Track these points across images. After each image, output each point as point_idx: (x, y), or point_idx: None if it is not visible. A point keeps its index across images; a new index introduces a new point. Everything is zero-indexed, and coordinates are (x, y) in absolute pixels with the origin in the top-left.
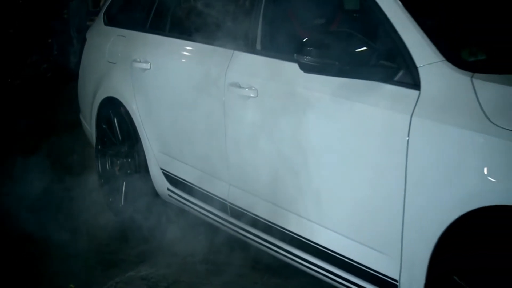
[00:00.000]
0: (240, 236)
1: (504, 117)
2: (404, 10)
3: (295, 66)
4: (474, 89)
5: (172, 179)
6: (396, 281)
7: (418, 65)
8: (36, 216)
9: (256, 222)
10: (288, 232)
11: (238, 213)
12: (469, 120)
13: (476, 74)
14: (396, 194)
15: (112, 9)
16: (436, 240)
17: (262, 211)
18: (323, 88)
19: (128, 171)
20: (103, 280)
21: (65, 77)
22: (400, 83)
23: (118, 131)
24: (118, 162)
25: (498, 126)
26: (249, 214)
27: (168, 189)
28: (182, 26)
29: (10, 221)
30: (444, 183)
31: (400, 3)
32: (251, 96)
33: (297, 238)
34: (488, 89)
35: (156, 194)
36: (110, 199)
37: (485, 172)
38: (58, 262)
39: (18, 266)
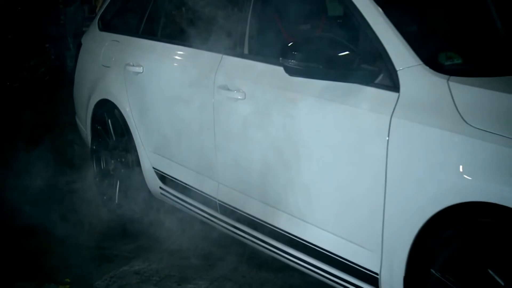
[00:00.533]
0: (229, 233)
1: (478, 118)
2: (385, 16)
3: (281, 69)
4: (450, 91)
5: (164, 178)
6: (377, 274)
7: (397, 69)
8: (33, 212)
9: (244, 219)
10: (275, 229)
11: (227, 211)
12: (445, 120)
13: (452, 77)
14: (377, 192)
15: (107, 15)
16: (415, 235)
17: (250, 208)
18: (308, 91)
19: (122, 170)
20: (98, 274)
21: (61, 80)
22: (380, 86)
23: (112, 132)
24: (112, 161)
25: (472, 126)
26: (238, 211)
27: (160, 188)
28: (173, 31)
29: (10, 217)
30: (422, 181)
31: (381, 10)
32: (239, 98)
33: (284, 234)
34: (463, 91)
35: (149, 192)
36: (105, 197)
37: (461, 170)
38: (54, 258)
39: (15, 261)
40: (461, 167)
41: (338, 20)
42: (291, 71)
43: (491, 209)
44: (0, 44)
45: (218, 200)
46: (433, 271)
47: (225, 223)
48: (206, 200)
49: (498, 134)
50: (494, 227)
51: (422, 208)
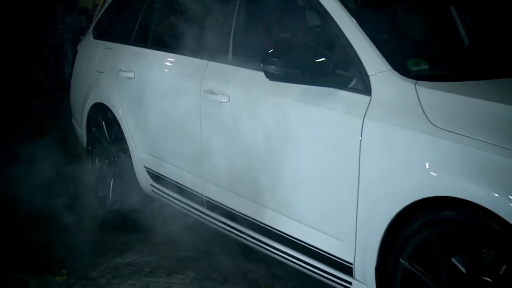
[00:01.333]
0: (215, 227)
1: (442, 119)
2: (358, 26)
3: (262, 74)
4: (417, 95)
5: (155, 176)
6: (351, 264)
7: (369, 74)
8: (32, 208)
9: (229, 214)
10: (258, 222)
11: (213, 206)
12: (413, 122)
13: (419, 82)
14: (351, 188)
15: (101, 24)
16: (385, 227)
17: (234, 204)
18: (287, 94)
19: (115, 169)
20: (93, 266)
21: (59, 85)
22: (353, 90)
23: (106, 133)
24: (107, 161)
25: (437, 127)
26: (223, 206)
27: (151, 185)
28: (163, 39)
29: (10, 212)
30: (392, 178)
31: (354, 20)
32: (224, 102)
33: (265, 227)
34: (429, 94)
35: (140, 190)
36: (100, 194)
37: (427, 167)
38: (52, 251)
39: (14, 255)
40: (427, 164)
41: (317, 29)
42: (271, 76)
43: (454, 203)
44: (2, 51)
45: (205, 196)
46: (402, 261)
47: (211, 217)
48: (193, 196)
49: (460, 134)
50: (456, 219)
51: (392, 203)
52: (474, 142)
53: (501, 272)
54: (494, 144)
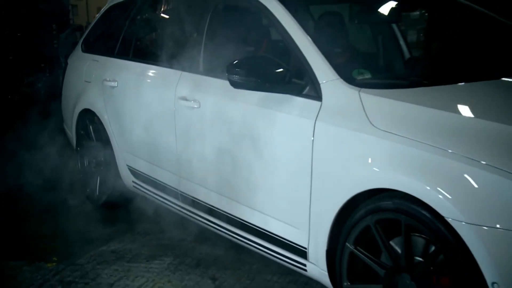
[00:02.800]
0: (189, 218)
1: (382, 122)
2: (311, 41)
3: (228, 83)
4: (361, 100)
5: (136, 173)
6: (305, 248)
7: (320, 82)
8: (26, 203)
9: (201, 206)
10: (225, 213)
11: (187, 199)
12: (357, 124)
13: (363, 89)
14: (305, 182)
15: (88, 39)
16: (334, 216)
17: (205, 197)
18: (249, 100)
19: (101, 168)
20: (80, 254)
21: (55, 94)
22: (307, 96)
23: (93, 136)
24: (94, 160)
25: (378, 128)
26: (195, 200)
27: (133, 181)
28: (143, 52)
29: (4, 207)
30: (340, 173)
31: (308, 37)
32: (195, 107)
33: (232, 217)
34: (371, 100)
35: (123, 186)
36: (88, 190)
37: (370, 163)
38: (43, 241)
39: (9, 244)
40: (370, 160)
41: (280, 44)
42: (235, 84)
43: (392, 194)
44: (3, 64)
45: (180, 191)
46: (348, 245)
47: (185, 209)
48: (170, 191)
49: (397, 135)
50: (393, 208)
51: (340, 194)
52: (409, 142)
53: (430, 252)
54: (426, 143)
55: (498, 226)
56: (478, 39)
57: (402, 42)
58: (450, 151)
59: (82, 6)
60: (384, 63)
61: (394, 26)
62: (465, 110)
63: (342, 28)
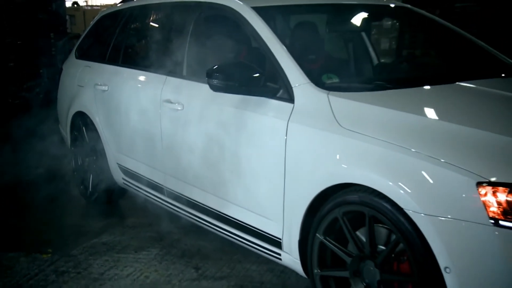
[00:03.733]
0: (174, 212)
1: (348, 122)
2: (285, 48)
3: (208, 86)
4: (329, 103)
5: (125, 171)
6: (280, 239)
7: (292, 86)
8: (21, 199)
9: (185, 201)
10: (207, 207)
11: (172, 195)
12: (326, 124)
13: (331, 92)
14: (279, 178)
15: (82, 47)
16: (306, 209)
17: (189, 193)
18: (228, 102)
19: (94, 166)
20: (74, 245)
21: (53, 98)
22: (281, 99)
23: (86, 136)
24: (86, 159)
25: (344, 128)
26: (180, 195)
27: (123, 179)
28: (131, 59)
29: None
30: (311, 169)
31: (282, 45)
32: (179, 109)
33: (213, 211)
34: (339, 102)
35: (114, 183)
36: (81, 187)
37: (338, 159)
38: (39, 234)
39: (7, 237)
40: (338, 157)
41: (258, 50)
42: (215, 88)
43: (357, 188)
44: (3, 70)
45: (165, 187)
46: (318, 235)
47: (171, 204)
48: (156, 187)
49: (362, 134)
50: (358, 201)
51: (310, 189)
52: (373, 140)
53: (391, 241)
54: (388, 142)
55: (449, 216)
56: (437, 48)
57: (370, 49)
58: (409, 148)
59: (80, 16)
60: (352, 68)
61: (364, 35)
62: (423, 111)
63: (315, 36)
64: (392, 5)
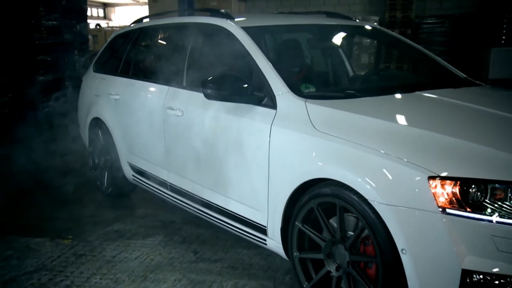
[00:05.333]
0: (176, 204)
1: (322, 125)
2: (269, 62)
3: (203, 95)
4: (307, 109)
5: (135, 169)
6: (265, 226)
7: (275, 94)
8: (45, 192)
9: (185, 194)
10: (205, 200)
11: (174, 189)
12: (303, 127)
13: (308, 100)
14: (263, 174)
15: (98, 62)
16: (286, 200)
17: (189, 187)
18: (221, 109)
19: (108, 164)
20: (90, 233)
21: (76, 106)
22: (265, 105)
23: (101, 138)
24: (102, 158)
25: (319, 130)
26: (181, 189)
27: (133, 175)
28: (139, 72)
29: (29, 195)
30: (291, 165)
31: (267, 59)
32: (179, 115)
33: (210, 203)
34: (314, 108)
35: (125, 179)
36: (98, 183)
37: (313, 157)
38: (62, 223)
39: (33, 225)
40: (313, 155)
41: (247, 64)
42: (209, 97)
43: (330, 182)
44: (35, 83)
45: (168, 182)
46: (297, 223)
47: (173, 197)
48: (161, 182)
49: (334, 136)
50: (331, 193)
51: (290, 183)
52: (344, 141)
53: (358, 227)
54: (357, 143)
55: (406, 206)
56: (402, 62)
57: (346, 63)
58: (373, 148)
59: (101, 36)
60: (328, 79)
61: (340, 50)
62: (386, 116)
63: (296, 52)
64: (366, 26)
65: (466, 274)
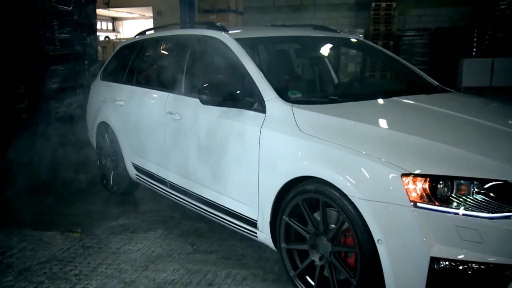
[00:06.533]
0: (176, 201)
1: (307, 128)
2: (259, 70)
3: (198, 101)
4: (293, 113)
5: (138, 168)
6: (256, 220)
7: (265, 100)
8: (56, 190)
9: (184, 192)
10: (201, 197)
11: (174, 187)
12: (290, 129)
13: (295, 105)
14: (254, 173)
15: (105, 71)
16: (275, 196)
17: (187, 185)
18: (215, 113)
19: (114, 164)
20: (97, 227)
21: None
22: (256, 110)
23: (108, 141)
24: (108, 159)
25: (304, 133)
26: (179, 187)
27: (136, 175)
28: (141, 80)
29: (41, 192)
30: (279, 164)
31: (257, 68)
32: (178, 119)
33: (205, 199)
34: (300, 112)
35: (129, 178)
36: (104, 181)
37: (299, 157)
38: (71, 218)
39: (44, 219)
40: (299, 155)
41: (240, 72)
42: (204, 102)
43: (314, 180)
44: (48, 91)
45: (168, 181)
46: (284, 217)
47: (173, 195)
48: (161, 181)
49: (318, 137)
50: (314, 190)
51: (278, 180)
52: (327, 142)
53: (339, 221)
54: (338, 144)
55: (381, 201)
56: (383, 71)
57: (332, 72)
58: (353, 148)
59: (110, 47)
60: (314, 86)
61: (326, 60)
62: (365, 119)
63: (284, 61)
64: (351, 38)
65: (434, 261)
